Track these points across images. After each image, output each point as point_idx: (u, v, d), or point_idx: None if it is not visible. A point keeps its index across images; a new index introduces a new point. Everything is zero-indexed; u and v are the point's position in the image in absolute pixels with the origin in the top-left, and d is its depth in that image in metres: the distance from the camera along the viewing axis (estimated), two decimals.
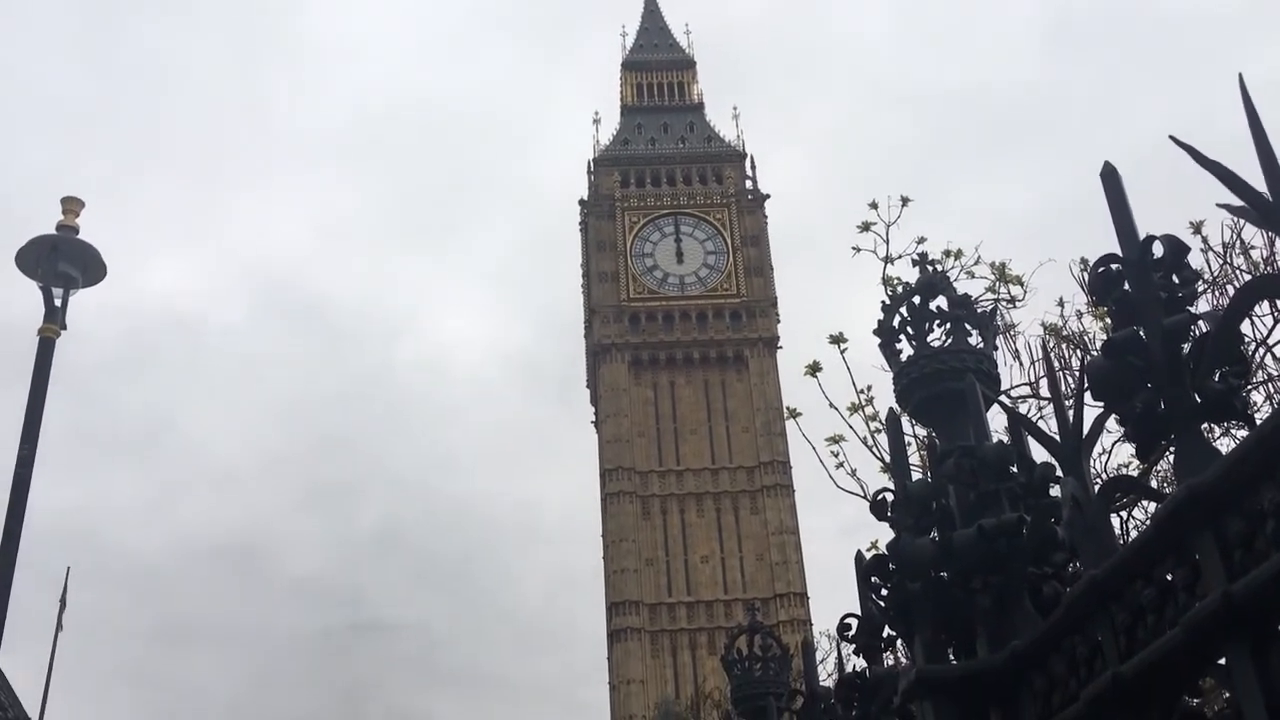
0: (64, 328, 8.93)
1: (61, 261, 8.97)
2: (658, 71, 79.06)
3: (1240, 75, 1.85)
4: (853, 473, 10.77)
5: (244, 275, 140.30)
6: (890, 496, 2.66)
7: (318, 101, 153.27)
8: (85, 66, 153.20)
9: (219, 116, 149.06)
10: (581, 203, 72.74)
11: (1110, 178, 2.07)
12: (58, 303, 8.97)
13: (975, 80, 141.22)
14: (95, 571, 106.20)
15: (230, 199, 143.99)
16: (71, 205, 9.26)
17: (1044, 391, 9.90)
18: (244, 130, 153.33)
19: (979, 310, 3.05)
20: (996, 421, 2.95)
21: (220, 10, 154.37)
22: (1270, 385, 8.49)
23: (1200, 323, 1.94)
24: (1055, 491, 2.44)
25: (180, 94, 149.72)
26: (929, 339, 3.00)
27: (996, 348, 2.97)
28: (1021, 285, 11.09)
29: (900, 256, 11.41)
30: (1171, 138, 1.94)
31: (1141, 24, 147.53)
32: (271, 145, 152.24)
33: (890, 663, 3.48)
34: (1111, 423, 2.01)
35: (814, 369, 11.04)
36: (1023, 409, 10.08)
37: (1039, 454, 2.61)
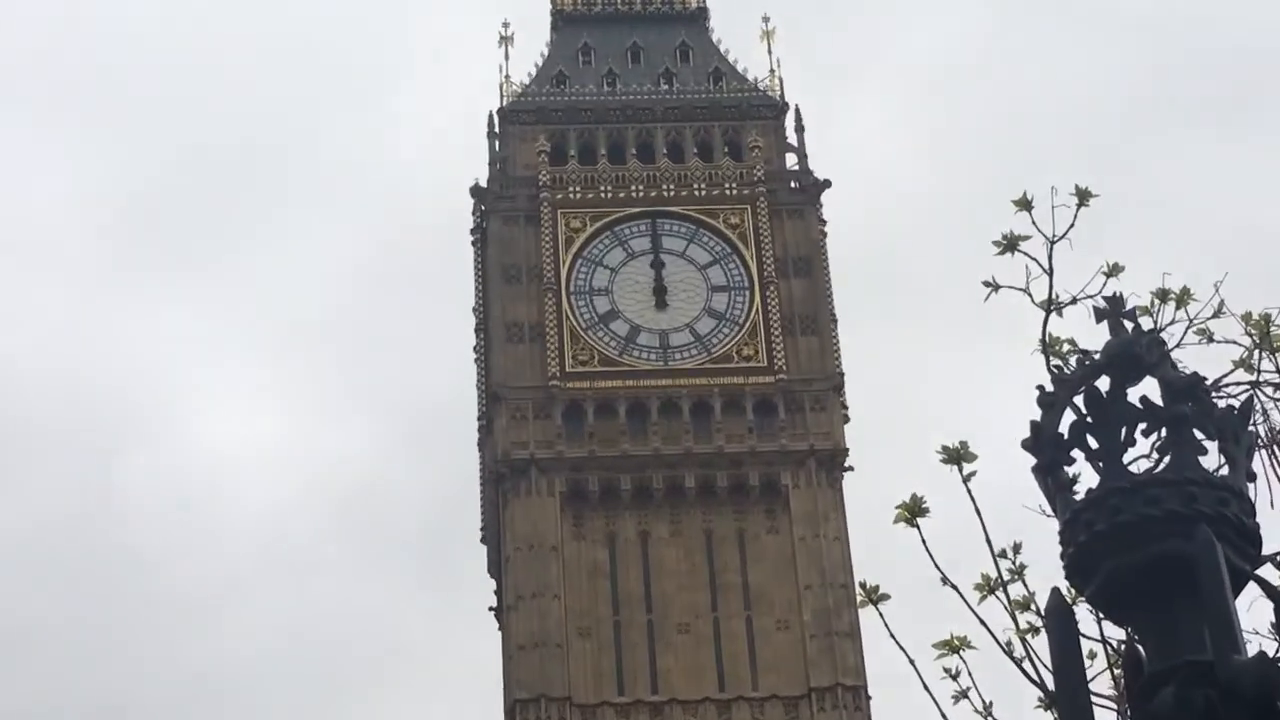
0: None
1: None
2: None
3: None
4: (987, 711, 10.76)
5: None
6: None
7: None
8: None
9: None
10: (476, 192, 73.29)
11: None
12: None
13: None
14: None
15: None
16: None
17: None
18: None
19: (1223, 403, 3.08)
20: (1253, 615, 2.93)
21: None
22: None
23: None
24: None
25: None
26: (1128, 458, 3.02)
27: (1254, 476, 3.00)
28: None
29: (1074, 301, 11.53)
30: None
31: None
32: None
33: None
34: None
35: (913, 512, 11.09)
36: None
37: None
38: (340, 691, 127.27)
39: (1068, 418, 3.09)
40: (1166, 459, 3.04)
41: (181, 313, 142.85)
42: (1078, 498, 3.04)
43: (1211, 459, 3.07)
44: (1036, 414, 3.15)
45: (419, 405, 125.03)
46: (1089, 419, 3.10)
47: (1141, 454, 3.06)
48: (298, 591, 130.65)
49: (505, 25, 76.34)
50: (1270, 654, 2.83)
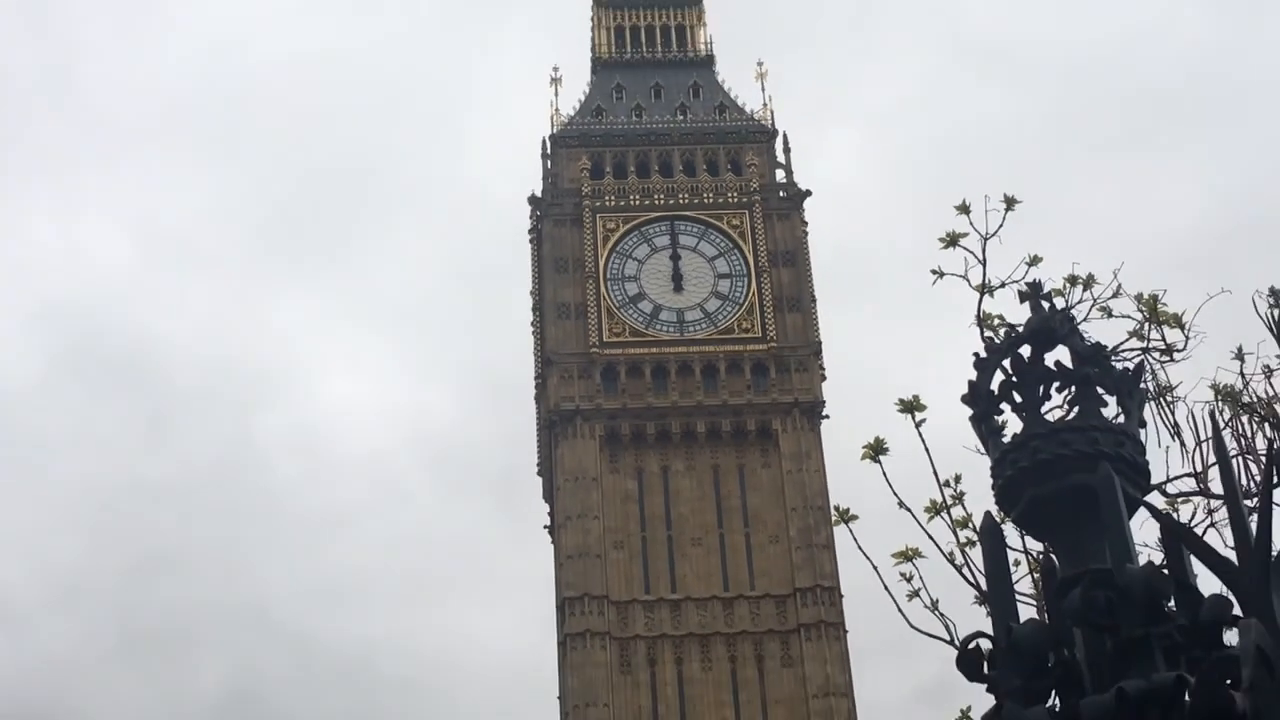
0: None
1: None
2: (647, 9, 79.98)
3: None
4: (934, 606, 10.72)
5: (37, 314, 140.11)
6: (988, 644, 2.63)
7: (146, 63, 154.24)
8: None
9: None
10: (532, 201, 73.21)
11: None
12: None
13: (1114, 37, 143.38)
14: None
15: (17, 203, 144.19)
16: None
17: (1215, 488, 9.91)
18: (36, 101, 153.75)
19: (1120, 366, 3.06)
20: (1144, 533, 2.93)
21: None
22: None
23: None
24: (1232, 639, 2.42)
25: None
26: (1045, 409, 3.01)
27: (1145, 423, 2.98)
28: (1182, 328, 11.14)
29: (1003, 285, 11.45)
30: None
31: None
32: (78, 124, 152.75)
33: None
34: None
35: (876, 450, 11.04)
36: (1184, 514, 10.10)
37: (1208, 581, 2.60)
38: (429, 595, 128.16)
39: (998, 378, 3.05)
40: (1075, 410, 3.01)
41: (308, 298, 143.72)
42: (1005, 441, 3.01)
43: (1111, 410, 3.04)
44: (973, 375, 3.12)
45: (490, 369, 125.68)
46: (1014, 379, 3.07)
47: (1055, 406, 3.03)
48: (396, 517, 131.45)
49: (555, 69, 76.50)
50: (1156, 563, 2.81)
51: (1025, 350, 3.09)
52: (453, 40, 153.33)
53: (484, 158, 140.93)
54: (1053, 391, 3.01)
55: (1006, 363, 3.09)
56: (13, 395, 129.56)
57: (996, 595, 2.78)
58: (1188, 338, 11.04)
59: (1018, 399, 3.04)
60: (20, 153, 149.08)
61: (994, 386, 3.06)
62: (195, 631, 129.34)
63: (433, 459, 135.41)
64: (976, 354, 3.01)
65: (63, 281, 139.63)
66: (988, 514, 2.93)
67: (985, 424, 3.02)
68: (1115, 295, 11.26)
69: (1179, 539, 2.69)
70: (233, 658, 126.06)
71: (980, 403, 3.05)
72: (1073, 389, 3.01)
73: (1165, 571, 2.68)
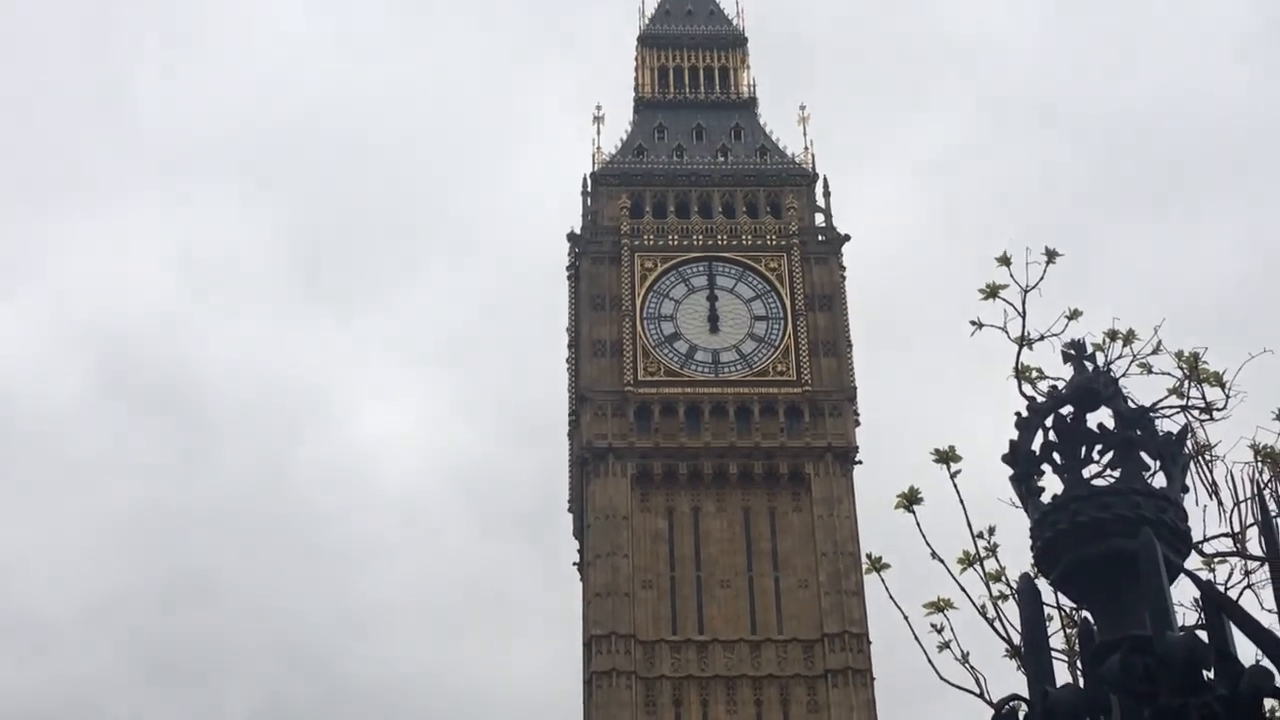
0: None
1: None
2: (690, 51, 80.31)
3: None
4: (964, 658, 10.65)
5: (79, 337, 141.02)
6: (1023, 706, 2.62)
7: (196, 96, 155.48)
8: None
9: (52, 110, 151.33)
10: (571, 238, 73.39)
11: None
12: None
13: (1159, 96, 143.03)
14: None
15: (64, 227, 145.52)
16: None
17: (1253, 548, 9.82)
18: (88, 131, 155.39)
19: (1163, 430, 3.04)
20: (1184, 596, 2.91)
21: None
22: None
23: None
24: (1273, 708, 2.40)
25: None
26: (1086, 471, 2.99)
27: (1187, 488, 2.96)
28: (1223, 387, 11.07)
29: (1042, 338, 11.41)
30: None
31: None
32: (128, 154, 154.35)
33: None
34: None
35: (910, 500, 10.99)
36: (1221, 574, 10.00)
37: (1247, 650, 2.58)
38: (457, 630, 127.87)
39: (1039, 438, 3.04)
40: (1117, 473, 2.99)
41: (348, 331, 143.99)
42: (1045, 502, 2.99)
43: (1154, 474, 3.02)
44: (1013, 433, 3.10)
45: (525, 404, 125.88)
46: (1056, 439, 3.05)
47: (1097, 469, 3.01)
48: (427, 552, 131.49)
49: (598, 108, 76.66)
50: (1193, 625, 2.79)
51: (1067, 411, 3.07)
52: (498, 76, 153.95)
53: (526, 194, 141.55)
54: (1095, 454, 3.00)
55: (1048, 423, 3.07)
56: (52, 417, 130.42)
57: (1033, 658, 2.76)
58: (1228, 396, 10.97)
59: (1059, 460, 3.03)
60: (70, 175, 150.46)
61: (1035, 447, 3.04)
62: (224, 659, 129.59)
63: (465, 494, 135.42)
64: (1018, 413, 3.00)
65: (106, 306, 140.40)
66: (1025, 575, 2.92)
67: (1025, 485, 3.00)
68: (1155, 351, 11.21)
69: (1220, 606, 2.67)
70: (261, 687, 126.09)
71: (1021, 463, 3.03)
72: (1115, 452, 2.99)
73: (1204, 640, 2.65)
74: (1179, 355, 11.22)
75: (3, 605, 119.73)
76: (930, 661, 10.59)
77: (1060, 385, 3.18)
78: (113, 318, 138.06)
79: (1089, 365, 3.15)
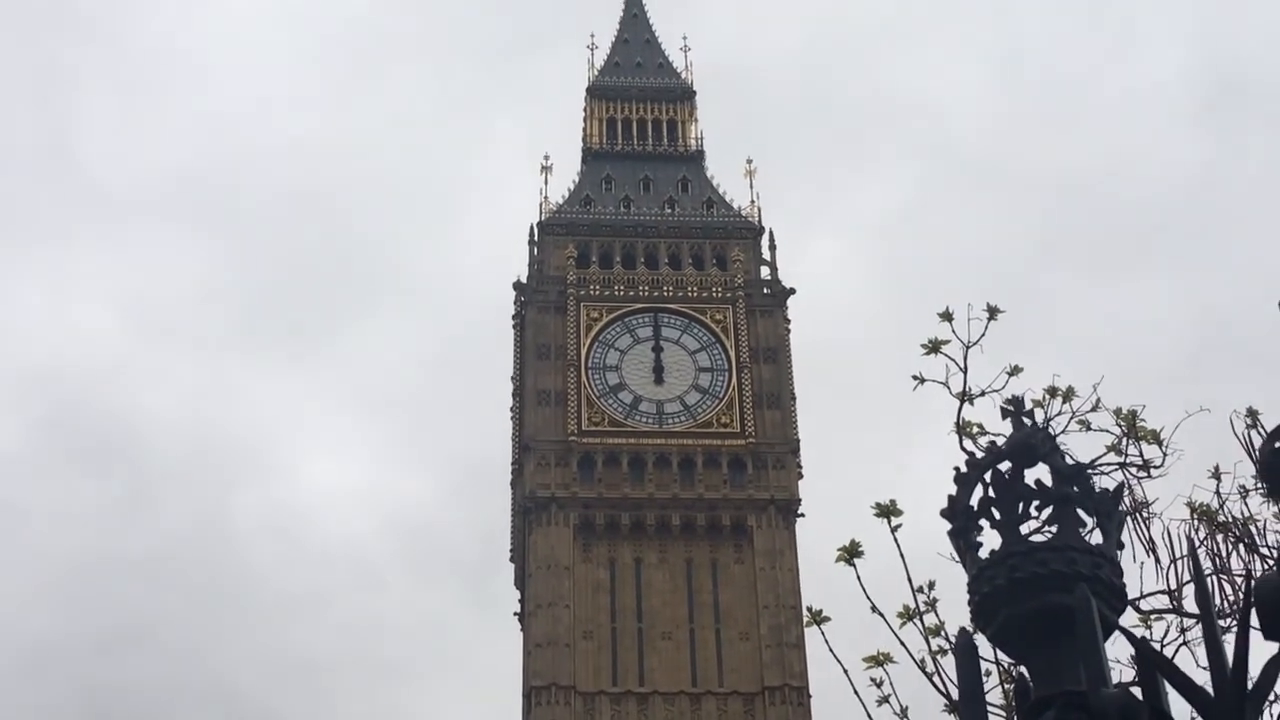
0: None
1: None
2: (639, 103, 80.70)
3: None
4: (903, 713, 10.66)
5: (20, 385, 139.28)
6: None
7: (140, 144, 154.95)
8: None
9: None
10: (517, 287, 73.36)
11: None
12: None
13: (1102, 156, 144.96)
14: None
15: (5, 273, 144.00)
16: None
17: (1189, 605, 9.89)
18: (30, 177, 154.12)
19: (1100, 487, 3.06)
20: (1120, 653, 2.92)
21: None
22: None
23: None
24: None
25: None
26: (1023, 527, 3.00)
27: (1123, 545, 2.98)
28: (1160, 445, 11.16)
29: (983, 394, 11.47)
30: None
31: None
32: (71, 201, 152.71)
33: None
34: None
35: (851, 554, 11.00)
36: (1157, 630, 10.06)
37: (1181, 708, 2.59)
38: (399, 679, 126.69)
39: (977, 493, 3.06)
40: (1054, 529, 3.02)
41: (289, 381, 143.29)
42: (983, 557, 3.01)
43: (1089, 531, 3.04)
44: (952, 489, 3.12)
45: (467, 455, 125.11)
46: (993, 495, 3.07)
47: (1035, 525, 3.04)
48: (368, 601, 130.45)
49: (546, 158, 76.79)
50: (1129, 681, 2.80)
51: (1006, 467, 3.09)
52: (446, 125, 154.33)
53: (472, 243, 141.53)
54: (1032, 510, 3.02)
55: (986, 478, 3.09)
56: None
57: (970, 713, 2.77)
58: (1165, 454, 11.05)
59: (997, 515, 3.04)
60: (12, 221, 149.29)
61: (973, 502, 3.06)
62: (162, 710, 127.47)
63: (406, 544, 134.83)
64: (957, 469, 3.02)
65: (47, 351, 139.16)
66: (963, 630, 2.93)
67: (964, 539, 3.02)
68: (1094, 409, 11.29)
69: (1153, 663, 2.69)
70: None
71: (959, 518, 3.05)
72: (1052, 508, 3.01)
73: (1138, 698, 2.67)
74: (1117, 412, 11.30)
75: None
76: (869, 716, 10.59)
77: (999, 441, 3.21)
78: (54, 366, 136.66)
79: (1027, 421, 3.17)
